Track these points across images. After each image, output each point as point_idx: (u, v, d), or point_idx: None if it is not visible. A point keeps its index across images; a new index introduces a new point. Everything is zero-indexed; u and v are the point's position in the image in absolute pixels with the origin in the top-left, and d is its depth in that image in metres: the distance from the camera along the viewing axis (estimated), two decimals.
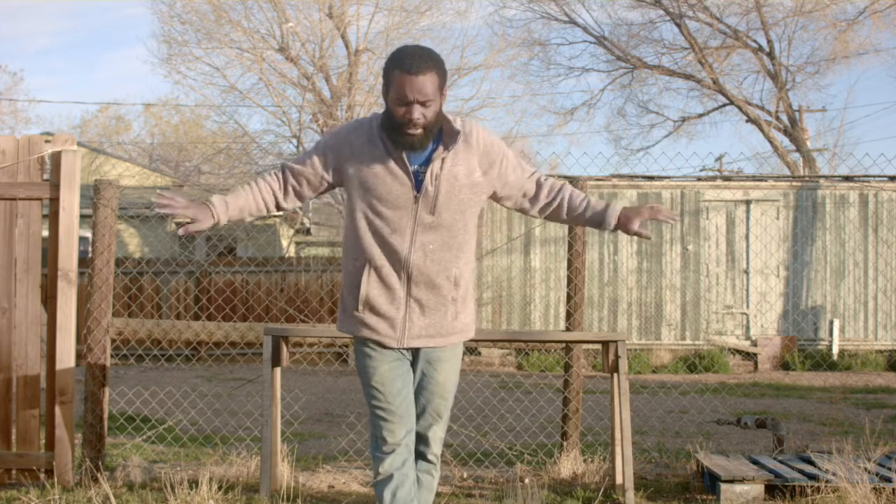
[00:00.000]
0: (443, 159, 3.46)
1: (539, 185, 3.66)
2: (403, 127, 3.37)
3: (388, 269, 3.47)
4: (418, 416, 3.63)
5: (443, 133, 3.48)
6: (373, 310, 3.50)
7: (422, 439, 3.66)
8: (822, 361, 14.29)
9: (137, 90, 72.12)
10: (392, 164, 3.45)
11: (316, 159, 3.59)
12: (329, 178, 3.60)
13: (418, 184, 3.45)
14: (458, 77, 19.09)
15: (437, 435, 3.67)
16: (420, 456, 3.68)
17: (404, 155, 3.44)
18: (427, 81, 3.33)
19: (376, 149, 3.47)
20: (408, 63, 3.34)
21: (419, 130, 3.37)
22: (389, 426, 3.52)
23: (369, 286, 3.49)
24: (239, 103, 20.10)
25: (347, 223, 3.59)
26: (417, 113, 3.34)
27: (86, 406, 5.69)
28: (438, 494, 5.35)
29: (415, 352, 3.59)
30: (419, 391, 3.62)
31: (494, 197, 3.65)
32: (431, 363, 3.58)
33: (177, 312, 16.36)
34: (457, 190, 3.48)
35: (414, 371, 3.61)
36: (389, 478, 3.52)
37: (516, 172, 3.61)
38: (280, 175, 3.64)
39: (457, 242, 3.52)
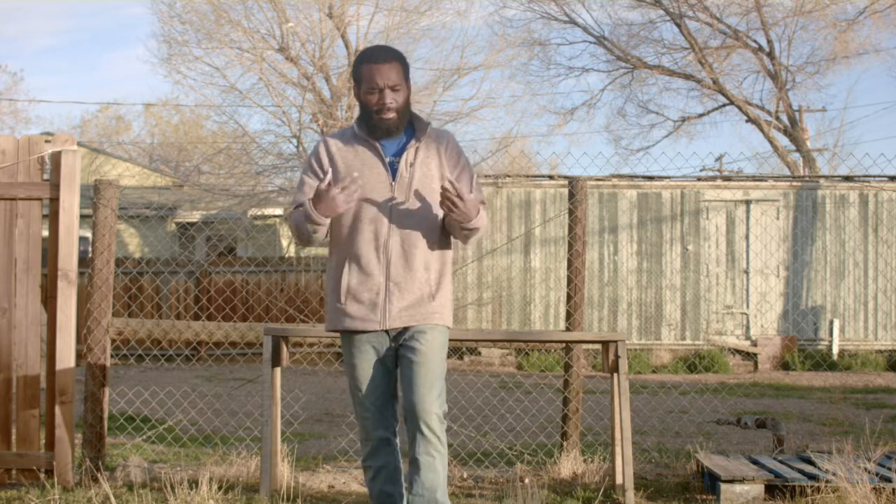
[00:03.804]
0: (416, 149, 3.77)
1: None
2: (379, 113, 3.71)
3: (367, 257, 3.72)
4: (406, 393, 3.70)
5: (415, 128, 3.81)
6: (354, 297, 3.73)
7: (414, 415, 3.67)
8: (822, 361, 14.29)
9: (137, 90, 72.06)
10: (369, 155, 3.76)
11: (312, 180, 3.78)
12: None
13: (394, 172, 3.74)
14: (457, 77, 19.05)
15: (428, 408, 3.64)
16: (418, 433, 3.65)
17: (380, 148, 3.75)
18: (392, 69, 3.71)
19: (354, 146, 3.79)
20: (372, 55, 3.75)
21: (393, 114, 3.72)
22: (365, 423, 3.77)
23: (350, 276, 3.73)
24: (239, 103, 20.05)
25: (333, 222, 3.77)
26: (389, 98, 3.70)
27: (86, 406, 5.69)
28: None
29: (397, 337, 3.73)
30: (405, 370, 3.71)
31: None
32: (415, 336, 3.71)
33: (177, 312, 16.37)
34: (429, 179, 3.76)
35: (399, 357, 3.75)
36: (370, 468, 3.81)
37: (468, 189, 3.79)
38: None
39: (428, 228, 3.75)
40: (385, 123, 3.71)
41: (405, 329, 3.72)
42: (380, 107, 3.69)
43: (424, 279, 3.72)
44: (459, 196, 3.59)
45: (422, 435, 3.66)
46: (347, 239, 3.74)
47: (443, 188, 3.61)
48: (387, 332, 3.73)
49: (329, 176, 3.64)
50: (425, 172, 3.75)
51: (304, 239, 3.76)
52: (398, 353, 3.75)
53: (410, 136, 3.79)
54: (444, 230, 3.80)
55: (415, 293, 3.71)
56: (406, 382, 3.70)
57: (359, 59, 3.76)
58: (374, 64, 3.69)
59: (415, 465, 3.68)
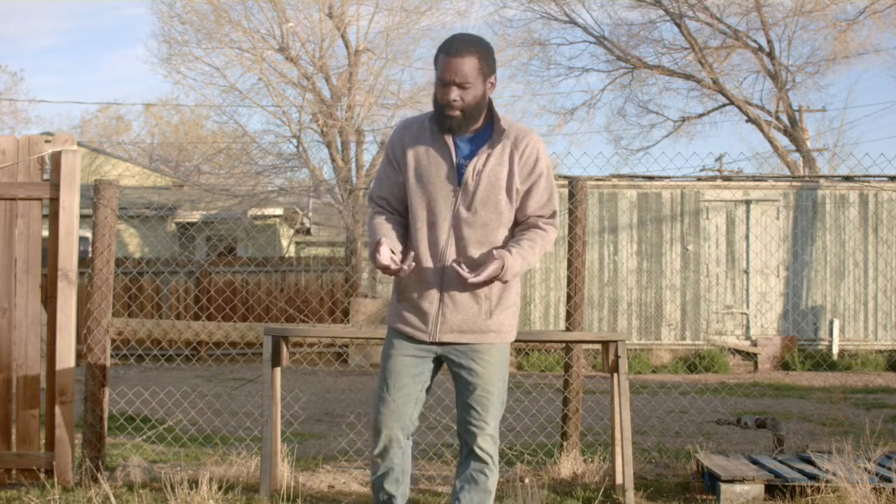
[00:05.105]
0: (487, 155, 3.53)
1: (530, 224, 3.62)
2: (443, 109, 3.48)
3: (425, 263, 3.53)
4: (462, 411, 3.60)
5: (493, 130, 3.56)
6: (409, 303, 3.58)
7: (468, 434, 3.59)
8: (822, 361, 14.29)
9: (137, 90, 72.16)
10: (439, 155, 3.55)
11: (388, 169, 3.65)
12: (401, 177, 3.63)
13: (460, 177, 3.52)
14: None
15: (484, 430, 3.57)
16: (470, 453, 3.61)
17: (452, 148, 3.53)
18: (466, 63, 3.44)
19: (425, 139, 3.57)
20: (449, 45, 3.47)
21: (457, 113, 3.47)
22: (381, 417, 3.60)
23: (408, 280, 3.56)
24: (239, 103, 20.08)
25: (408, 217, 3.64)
26: (455, 94, 3.45)
27: (86, 406, 5.69)
28: (437, 494, 5.36)
29: (449, 351, 3.58)
30: (461, 388, 3.60)
31: None
32: (471, 356, 3.57)
33: (177, 312, 16.37)
34: (496, 189, 3.53)
35: (453, 372, 3.62)
36: (378, 464, 3.66)
37: (538, 202, 3.61)
38: (381, 201, 3.66)
39: (490, 241, 3.55)
40: (448, 121, 3.49)
41: (457, 343, 3.57)
42: (444, 103, 3.47)
43: (484, 294, 3.54)
44: (467, 279, 3.40)
45: (475, 455, 3.60)
46: (411, 240, 3.57)
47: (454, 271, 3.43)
48: (435, 343, 3.58)
49: (392, 256, 3.45)
50: (492, 182, 3.51)
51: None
52: (450, 368, 3.62)
53: (487, 138, 3.55)
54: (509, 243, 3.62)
55: (470, 309, 3.54)
56: (461, 402, 3.59)
57: (438, 48, 3.52)
58: (448, 56, 3.44)
59: (466, 481, 3.62)
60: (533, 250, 3.56)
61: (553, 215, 3.64)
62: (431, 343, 3.57)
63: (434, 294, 3.53)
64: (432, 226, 3.52)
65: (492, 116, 3.58)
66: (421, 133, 3.59)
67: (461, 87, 3.44)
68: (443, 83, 3.46)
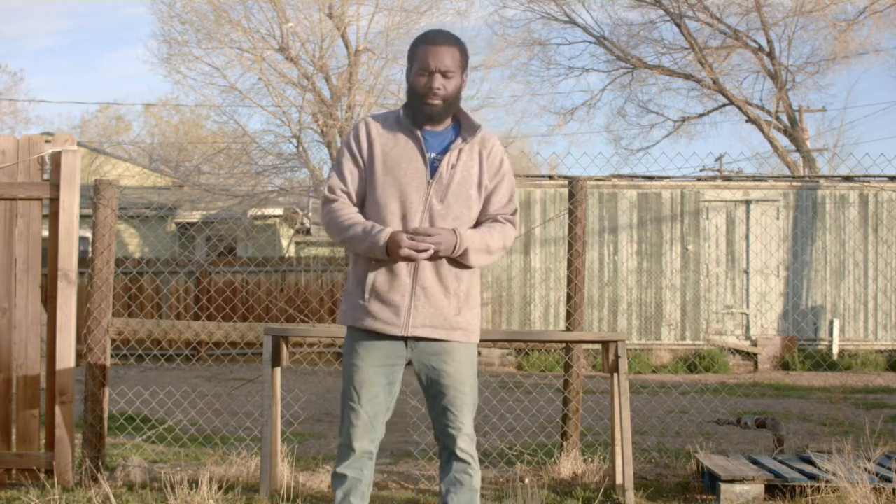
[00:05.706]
0: (460, 150, 3.57)
1: (491, 218, 3.62)
2: (424, 97, 3.52)
3: None
4: (438, 415, 3.57)
5: (462, 126, 3.62)
6: (378, 297, 3.51)
7: (447, 437, 3.57)
8: (822, 361, 14.29)
9: (137, 90, 72.16)
10: (410, 147, 3.56)
11: (350, 163, 3.59)
12: (364, 171, 3.59)
13: (433, 170, 3.54)
14: None
15: (462, 431, 3.55)
16: (451, 455, 3.58)
17: (423, 141, 3.55)
18: (448, 53, 3.52)
19: (396, 134, 3.58)
20: (431, 36, 3.56)
21: (438, 101, 3.52)
22: (354, 432, 3.55)
23: (377, 273, 3.51)
24: (239, 103, 20.06)
25: (364, 213, 3.58)
26: (438, 82, 3.50)
27: (86, 406, 5.69)
28: (437, 494, 5.35)
29: (419, 354, 3.54)
30: (432, 390, 3.56)
31: None
32: (440, 355, 3.53)
33: (177, 312, 16.37)
34: (468, 185, 3.57)
35: (421, 376, 3.58)
36: (344, 477, 3.57)
37: (500, 200, 3.63)
38: (343, 195, 3.59)
39: None
40: (428, 109, 3.51)
41: (426, 343, 3.52)
42: (426, 91, 3.49)
43: (453, 289, 3.52)
44: (415, 240, 3.42)
45: (456, 457, 3.57)
46: None
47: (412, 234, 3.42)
48: (405, 340, 3.52)
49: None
50: (465, 177, 3.54)
51: (343, 243, 3.55)
52: (421, 373, 3.57)
53: (456, 135, 3.59)
54: None
55: (441, 303, 3.50)
56: (437, 405, 3.56)
57: (416, 39, 3.57)
58: (430, 45, 3.50)
59: (451, 484, 3.59)
60: (491, 235, 3.56)
61: (514, 213, 3.66)
62: (402, 339, 3.51)
63: (406, 287, 3.49)
64: (404, 218, 3.49)
65: (458, 113, 3.63)
66: (388, 127, 3.59)
67: (444, 75, 3.51)
68: (427, 72, 3.50)
